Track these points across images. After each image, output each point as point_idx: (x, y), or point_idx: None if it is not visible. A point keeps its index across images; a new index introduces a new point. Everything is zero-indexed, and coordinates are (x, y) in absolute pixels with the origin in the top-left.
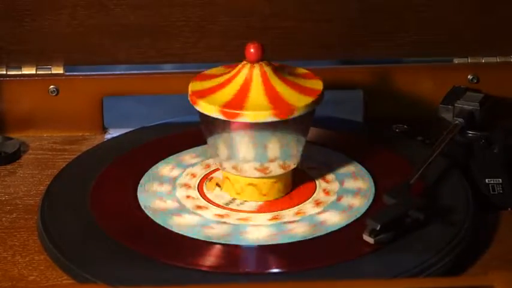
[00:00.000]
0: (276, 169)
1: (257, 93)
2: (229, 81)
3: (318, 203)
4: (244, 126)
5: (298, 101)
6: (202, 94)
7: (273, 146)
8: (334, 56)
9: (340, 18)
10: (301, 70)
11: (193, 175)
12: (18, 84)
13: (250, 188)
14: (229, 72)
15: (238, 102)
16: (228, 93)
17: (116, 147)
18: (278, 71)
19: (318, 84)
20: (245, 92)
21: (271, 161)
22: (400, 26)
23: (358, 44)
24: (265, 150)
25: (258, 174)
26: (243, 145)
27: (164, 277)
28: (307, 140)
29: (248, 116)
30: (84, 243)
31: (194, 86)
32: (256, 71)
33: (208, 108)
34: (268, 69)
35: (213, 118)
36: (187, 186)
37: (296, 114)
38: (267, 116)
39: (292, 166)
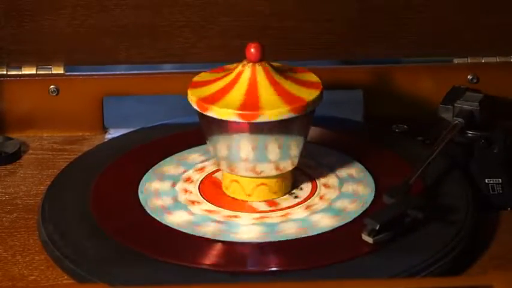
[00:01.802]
0: (286, 168)
1: (267, 92)
2: (233, 83)
3: (317, 203)
4: (244, 127)
5: (308, 95)
6: (210, 100)
7: (273, 147)
8: (334, 56)
9: (340, 18)
10: (291, 66)
11: (194, 175)
12: (19, 84)
13: (262, 188)
14: (226, 74)
15: (251, 103)
16: (237, 95)
17: (117, 147)
18: (277, 69)
19: (313, 77)
20: (254, 92)
21: (271, 161)
22: (400, 26)
23: (358, 44)
24: (265, 151)
25: (276, 172)
26: (243, 146)
27: (165, 277)
28: (308, 140)
29: (267, 115)
30: (84, 243)
31: (196, 93)
32: (260, 70)
33: (222, 112)
34: (269, 68)
35: (220, 121)
36: (188, 186)
37: (310, 108)
38: (284, 113)
39: (292, 166)
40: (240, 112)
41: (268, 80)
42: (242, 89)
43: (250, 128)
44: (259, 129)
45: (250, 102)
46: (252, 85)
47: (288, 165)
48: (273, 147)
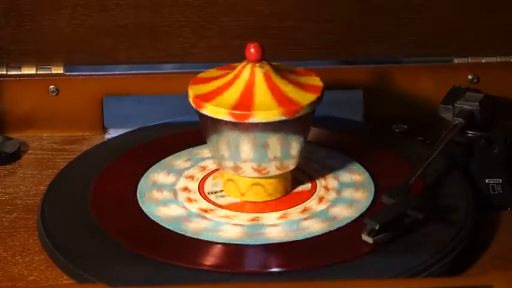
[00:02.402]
0: (275, 169)
1: (262, 93)
2: (231, 82)
3: (317, 204)
4: (246, 127)
5: (304, 99)
6: (207, 97)
7: (274, 146)
8: (334, 56)
9: (340, 18)
10: (296, 68)
11: (195, 175)
12: (18, 84)
13: (256, 188)
14: (228, 73)
15: (245, 103)
16: (232, 94)
17: (116, 147)
18: (278, 70)
19: (316, 81)
20: (250, 92)
21: (271, 161)
22: (400, 26)
23: (358, 44)
24: (265, 151)
25: (257, 174)
26: (244, 146)
27: (164, 277)
28: (307, 141)
29: (258, 117)
30: (84, 243)
31: (195, 90)
32: (258, 71)
33: (216, 111)
34: (269, 69)
35: (214, 119)
36: (187, 186)
37: (303, 112)
38: (276, 115)
39: (292, 166)
40: (232, 112)
41: (265, 81)
42: (239, 89)
43: (241, 128)
44: (249, 129)
45: (244, 103)
46: (249, 85)
47: (272, 168)
48: (267, 148)
